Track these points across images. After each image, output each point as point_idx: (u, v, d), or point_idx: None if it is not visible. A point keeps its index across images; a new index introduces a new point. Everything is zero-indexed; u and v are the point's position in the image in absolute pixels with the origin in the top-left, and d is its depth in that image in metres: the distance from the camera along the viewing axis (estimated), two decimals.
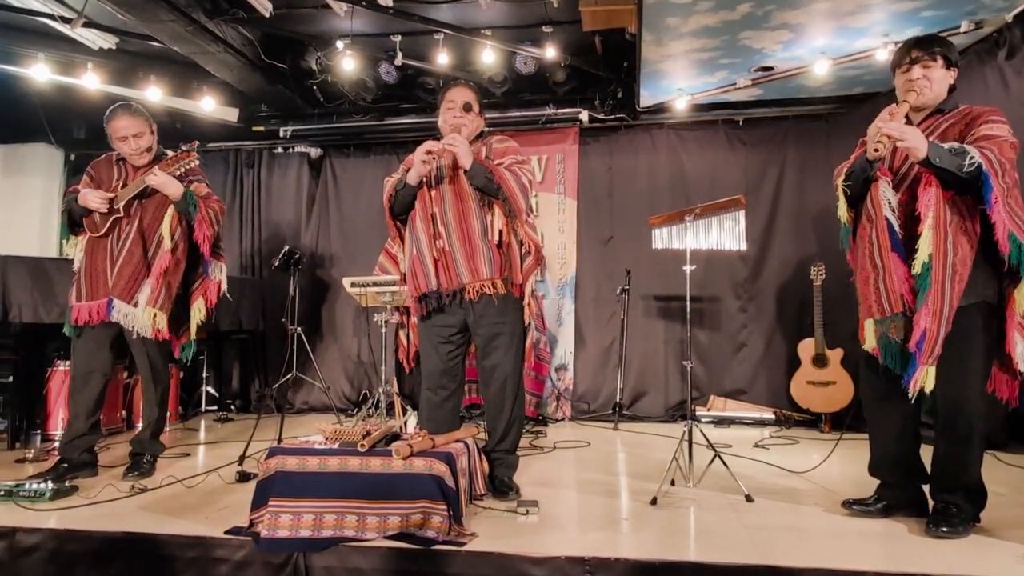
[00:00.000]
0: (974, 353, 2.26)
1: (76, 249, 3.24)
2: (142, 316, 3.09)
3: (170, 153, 3.26)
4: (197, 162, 3.17)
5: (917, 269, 2.21)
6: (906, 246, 2.29)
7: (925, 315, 2.19)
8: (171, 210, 3.18)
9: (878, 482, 2.57)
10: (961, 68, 4.01)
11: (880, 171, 2.35)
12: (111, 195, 3.13)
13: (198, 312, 3.33)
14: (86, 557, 2.27)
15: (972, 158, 2.13)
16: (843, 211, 2.49)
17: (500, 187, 2.70)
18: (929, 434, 2.43)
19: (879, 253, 2.33)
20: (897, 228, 2.30)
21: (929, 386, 2.21)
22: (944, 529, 2.24)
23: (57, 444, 3.91)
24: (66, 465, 3.12)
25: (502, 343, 2.79)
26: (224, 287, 3.41)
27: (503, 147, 2.88)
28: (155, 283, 3.12)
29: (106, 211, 3.13)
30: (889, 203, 2.31)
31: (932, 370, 2.21)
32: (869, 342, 2.38)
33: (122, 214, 3.15)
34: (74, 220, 3.22)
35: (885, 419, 2.48)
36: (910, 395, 2.25)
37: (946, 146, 2.18)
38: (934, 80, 2.35)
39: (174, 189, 3.12)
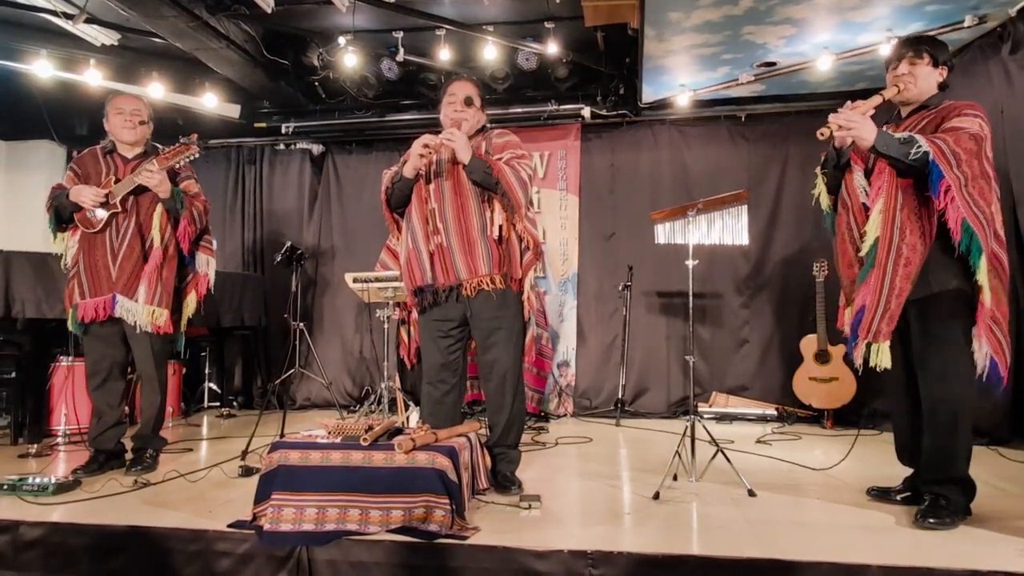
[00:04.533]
0: (951, 342, 2.30)
1: (66, 245, 3.23)
2: (142, 312, 3.09)
3: (161, 148, 3.25)
4: (197, 155, 3.16)
5: (864, 251, 2.31)
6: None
7: (864, 292, 2.31)
8: (159, 208, 3.17)
9: (878, 476, 2.62)
10: (964, 63, 4.04)
11: (852, 159, 2.45)
12: (105, 192, 3.11)
13: (189, 306, 3.33)
14: (89, 551, 2.28)
15: (919, 147, 2.21)
16: (823, 197, 2.61)
17: (499, 182, 2.68)
18: None
19: (859, 238, 2.42)
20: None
21: (883, 364, 2.28)
22: (931, 520, 2.26)
23: (59, 439, 3.95)
24: (103, 458, 3.16)
25: (501, 338, 2.78)
26: (211, 280, 3.40)
27: (503, 141, 2.86)
28: (149, 279, 3.11)
29: (99, 208, 3.11)
30: (864, 190, 2.40)
31: (884, 347, 2.28)
32: (846, 326, 2.48)
33: (119, 209, 3.14)
34: (62, 217, 3.19)
35: (900, 406, 2.52)
36: (857, 366, 2.34)
37: (897, 135, 2.26)
38: (919, 76, 2.42)
39: (164, 188, 3.11)
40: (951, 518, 2.28)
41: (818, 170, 2.60)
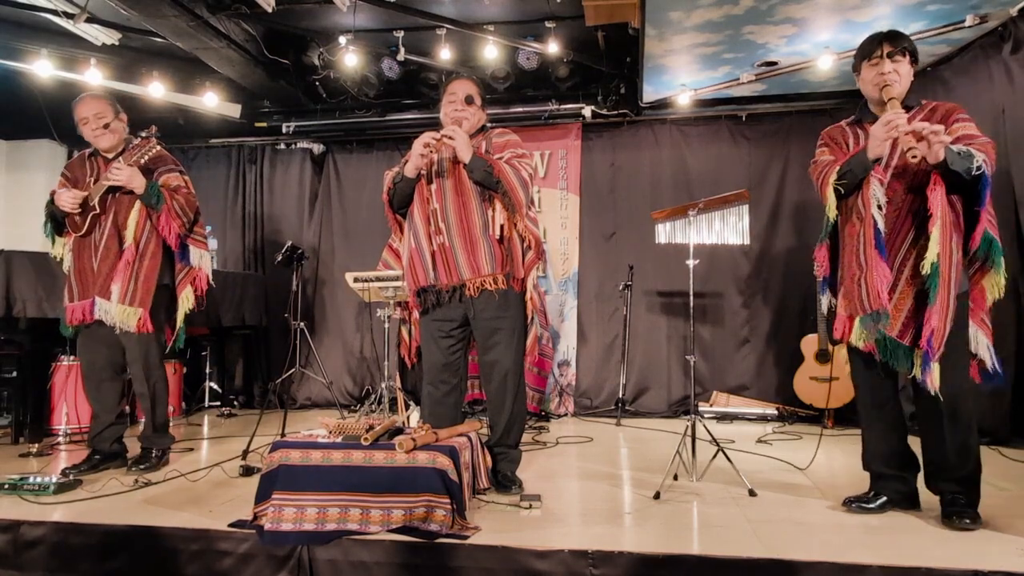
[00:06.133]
0: (962, 343, 2.32)
1: (65, 250, 3.23)
2: (115, 312, 3.06)
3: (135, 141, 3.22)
4: (158, 148, 3.12)
5: (927, 269, 2.23)
6: (894, 240, 2.34)
7: (936, 312, 2.21)
8: (138, 204, 3.14)
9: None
10: (965, 62, 4.04)
11: (875, 170, 2.37)
12: (84, 194, 3.10)
13: (186, 301, 3.28)
14: (90, 550, 2.28)
15: (977, 162, 2.18)
16: (833, 209, 2.48)
17: (499, 181, 2.68)
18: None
19: (865, 251, 2.36)
20: (882, 227, 2.33)
21: (937, 383, 2.23)
22: (967, 521, 2.26)
23: (60, 439, 3.95)
24: (98, 457, 3.17)
25: (502, 338, 2.78)
26: (209, 274, 3.36)
27: (503, 140, 2.86)
28: (122, 278, 3.07)
29: (80, 210, 3.10)
30: (877, 202, 2.34)
31: (938, 367, 2.24)
32: (855, 338, 2.42)
33: (98, 210, 3.12)
34: (58, 221, 3.20)
35: (882, 412, 2.50)
36: (932, 392, 2.25)
37: (955, 148, 2.21)
38: (903, 75, 2.40)
39: (137, 183, 3.07)
40: (978, 517, 2.29)
41: (831, 180, 2.42)
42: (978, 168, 2.18)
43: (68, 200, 3.07)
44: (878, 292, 2.30)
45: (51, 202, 3.16)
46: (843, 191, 2.43)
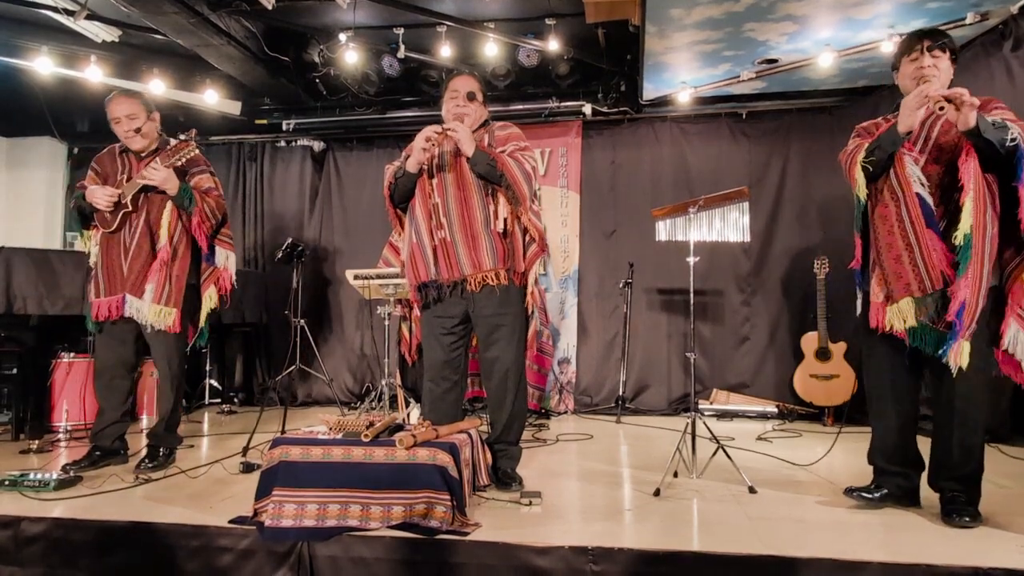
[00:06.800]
0: (987, 341, 2.28)
1: (91, 244, 3.23)
2: (149, 311, 3.07)
3: (171, 141, 3.25)
4: (196, 151, 3.13)
5: (959, 240, 2.17)
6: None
7: (965, 286, 2.15)
8: (169, 205, 3.15)
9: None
10: (966, 60, 4.04)
11: (905, 146, 2.33)
12: (118, 191, 3.10)
13: (210, 300, 3.28)
14: (90, 546, 2.28)
15: (1012, 134, 2.14)
16: (861, 190, 2.43)
17: (503, 174, 2.67)
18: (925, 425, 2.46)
19: (913, 230, 2.29)
20: (930, 203, 2.28)
21: (965, 363, 2.18)
22: (967, 519, 2.25)
23: (60, 435, 3.96)
24: (99, 453, 3.17)
25: (503, 335, 2.78)
26: (233, 274, 3.37)
27: (505, 134, 2.85)
28: (157, 278, 3.09)
29: (113, 208, 3.11)
30: (919, 179, 2.29)
31: (968, 346, 2.18)
32: (902, 322, 2.33)
33: (130, 208, 3.13)
34: (85, 216, 3.21)
35: (899, 405, 2.48)
36: (952, 369, 2.20)
37: (988, 119, 2.18)
38: (942, 70, 2.38)
39: (171, 184, 3.08)
40: (978, 515, 2.28)
41: (860, 158, 2.39)
42: (1012, 140, 2.13)
43: (103, 197, 3.07)
44: (941, 270, 2.23)
45: (81, 196, 3.16)
46: (872, 169, 2.37)
